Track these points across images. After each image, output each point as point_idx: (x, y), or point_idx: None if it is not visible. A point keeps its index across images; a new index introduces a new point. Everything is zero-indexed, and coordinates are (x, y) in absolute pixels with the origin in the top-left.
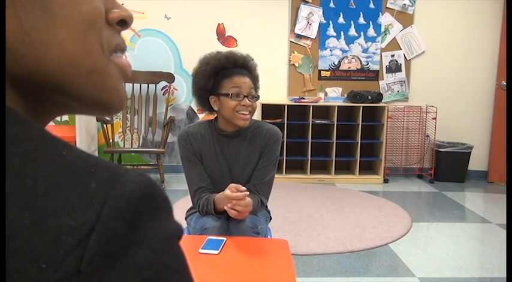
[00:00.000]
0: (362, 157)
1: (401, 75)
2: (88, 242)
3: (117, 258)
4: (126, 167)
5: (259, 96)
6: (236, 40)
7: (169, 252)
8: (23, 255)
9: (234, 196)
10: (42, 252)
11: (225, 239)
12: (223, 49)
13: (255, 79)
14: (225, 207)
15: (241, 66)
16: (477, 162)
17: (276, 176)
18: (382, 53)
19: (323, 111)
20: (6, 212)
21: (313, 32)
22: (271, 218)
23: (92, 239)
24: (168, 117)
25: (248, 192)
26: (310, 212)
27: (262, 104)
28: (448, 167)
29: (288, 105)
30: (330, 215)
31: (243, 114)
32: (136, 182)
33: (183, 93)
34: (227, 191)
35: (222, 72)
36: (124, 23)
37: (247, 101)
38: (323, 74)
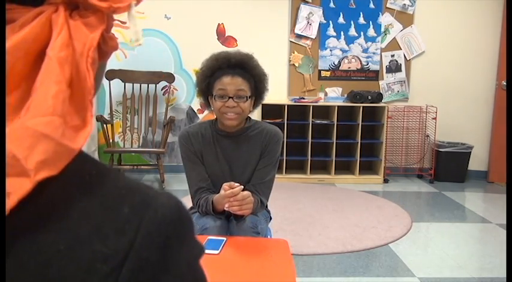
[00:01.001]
0: (362, 157)
1: (401, 75)
2: (121, 270)
3: None
4: (153, 187)
5: (248, 96)
6: (236, 40)
7: (194, 276)
8: None
9: (229, 193)
10: (77, 280)
11: (225, 239)
12: (223, 49)
13: (254, 78)
14: (225, 208)
15: (235, 66)
16: (477, 162)
17: (276, 176)
18: (382, 53)
19: (323, 111)
20: (40, 234)
21: (313, 32)
22: (271, 218)
23: (125, 268)
24: (168, 117)
25: (242, 186)
26: (310, 212)
27: (262, 104)
28: (448, 167)
29: (288, 105)
30: (330, 215)
31: (229, 115)
32: (167, 206)
33: (183, 93)
34: (222, 191)
35: (217, 72)
36: None
37: (232, 102)
38: (323, 74)
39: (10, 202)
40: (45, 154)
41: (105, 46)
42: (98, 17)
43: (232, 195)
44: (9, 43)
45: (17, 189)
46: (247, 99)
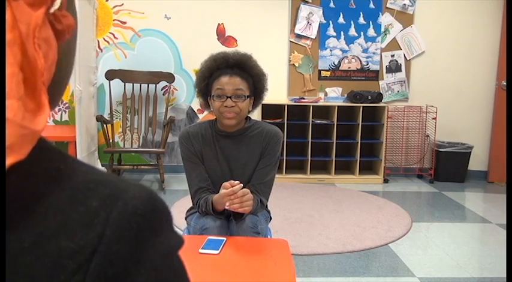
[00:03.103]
0: (362, 157)
1: (401, 75)
2: (89, 265)
3: (119, 281)
4: (127, 179)
5: (246, 96)
6: (236, 40)
7: (170, 269)
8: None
9: (229, 191)
10: (42, 278)
11: (225, 239)
12: (224, 49)
13: (252, 78)
14: (226, 207)
15: (233, 65)
16: (477, 162)
17: (276, 176)
18: (382, 53)
19: (323, 111)
20: (5, 232)
21: (313, 32)
22: (271, 218)
23: (94, 263)
24: (168, 117)
25: (242, 184)
26: (310, 212)
27: (262, 104)
28: (448, 167)
29: (288, 105)
30: (330, 215)
31: (227, 114)
32: (138, 198)
33: (183, 93)
34: (222, 190)
35: (215, 73)
36: None
37: (230, 101)
38: (323, 74)
39: None
40: (10, 138)
41: (59, 24)
42: None
43: (233, 193)
44: None
45: None
46: (245, 99)
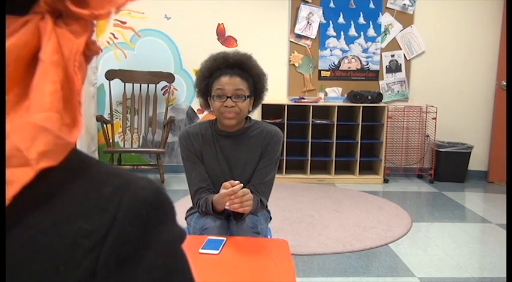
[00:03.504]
0: (362, 157)
1: (401, 75)
2: (103, 244)
3: (130, 261)
4: (135, 173)
5: (246, 96)
6: (236, 40)
7: (175, 255)
8: (42, 258)
9: (230, 191)
10: (60, 255)
11: (225, 239)
12: (224, 49)
13: (252, 78)
14: (226, 207)
15: (233, 65)
16: (477, 162)
17: (276, 176)
18: (382, 53)
19: (323, 111)
20: (24, 216)
21: (313, 32)
22: (271, 218)
23: (107, 241)
24: (168, 117)
25: (242, 184)
26: (310, 212)
27: (262, 104)
28: (448, 167)
29: (288, 105)
30: (330, 215)
31: (227, 114)
32: (147, 189)
33: (183, 93)
34: (222, 190)
35: (215, 73)
36: None
37: (230, 101)
38: (323, 74)
39: (13, 190)
40: (46, 146)
41: (89, 51)
42: (81, 24)
43: (233, 193)
44: None
45: (20, 177)
46: (245, 99)
